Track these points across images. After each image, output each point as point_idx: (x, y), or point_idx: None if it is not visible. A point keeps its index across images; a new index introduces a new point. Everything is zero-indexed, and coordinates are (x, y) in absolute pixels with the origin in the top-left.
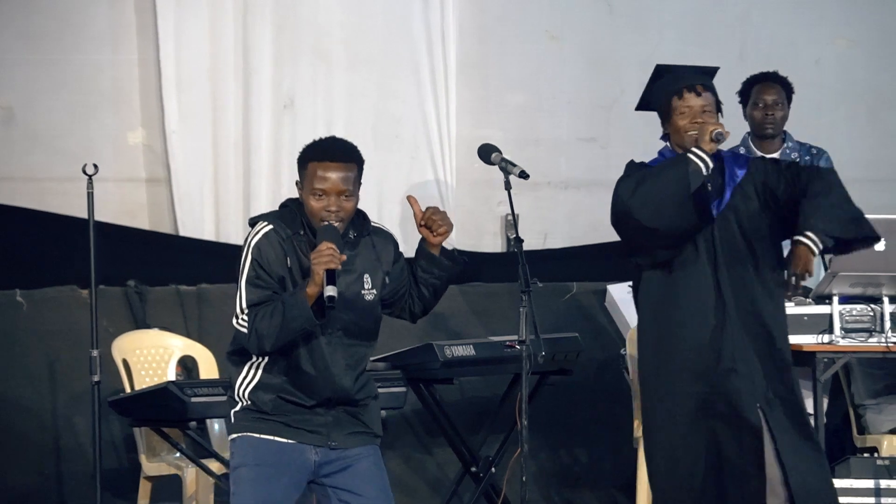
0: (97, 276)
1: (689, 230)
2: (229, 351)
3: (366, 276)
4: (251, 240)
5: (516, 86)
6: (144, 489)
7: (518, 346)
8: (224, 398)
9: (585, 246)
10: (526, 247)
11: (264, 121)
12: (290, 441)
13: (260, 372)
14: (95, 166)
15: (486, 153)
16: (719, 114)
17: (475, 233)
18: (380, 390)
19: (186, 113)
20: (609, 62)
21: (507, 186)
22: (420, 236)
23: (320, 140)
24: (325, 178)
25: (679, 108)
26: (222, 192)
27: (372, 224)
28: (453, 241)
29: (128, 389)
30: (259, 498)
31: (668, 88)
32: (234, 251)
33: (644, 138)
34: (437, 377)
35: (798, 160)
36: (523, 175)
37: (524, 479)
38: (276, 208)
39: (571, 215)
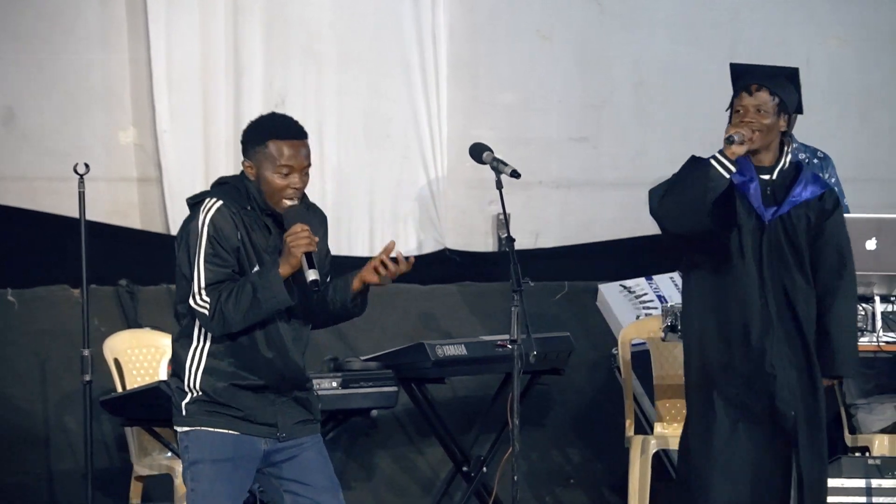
0: (88, 276)
1: (708, 234)
2: (175, 338)
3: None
4: (204, 216)
5: (507, 85)
6: (136, 489)
7: (510, 346)
8: None
9: (577, 245)
10: (517, 246)
11: None
12: (243, 434)
13: (205, 357)
14: (87, 166)
15: (478, 152)
16: (784, 115)
17: (466, 232)
18: (371, 390)
19: (177, 112)
20: (600, 62)
21: (499, 186)
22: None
23: (273, 117)
24: (292, 154)
25: (735, 106)
26: None
27: (311, 202)
28: (445, 242)
29: (119, 389)
30: (221, 494)
31: (734, 88)
32: None
33: (635, 137)
34: (428, 377)
35: (806, 161)
36: (515, 174)
37: (515, 478)
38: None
39: (563, 214)
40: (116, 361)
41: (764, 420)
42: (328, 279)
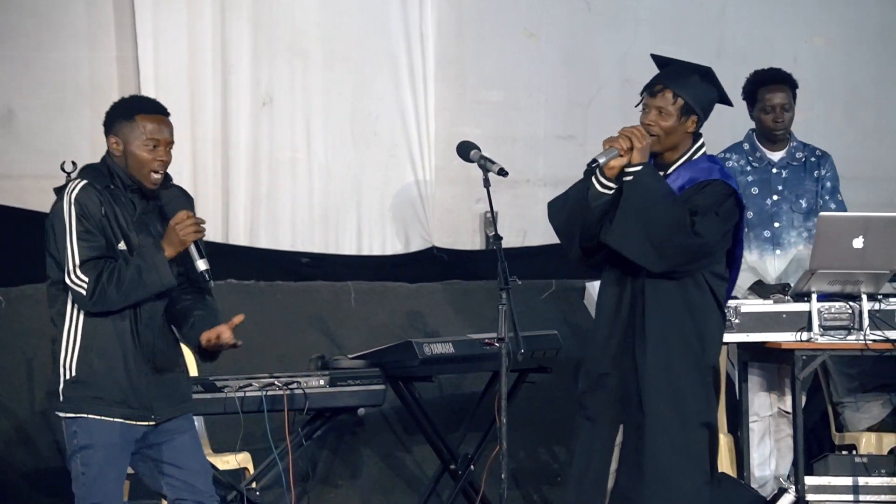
0: None
1: (573, 247)
2: (50, 320)
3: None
4: (69, 197)
5: (494, 83)
6: (123, 486)
7: (497, 344)
8: (203, 396)
9: None
10: (505, 244)
11: (242, 118)
12: (122, 421)
13: (80, 337)
14: (74, 164)
15: (465, 150)
16: (692, 115)
17: (454, 230)
18: (358, 388)
19: None
20: (586, 60)
21: (486, 184)
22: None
23: (139, 96)
24: (159, 129)
25: (642, 101)
26: (201, 190)
27: (174, 183)
28: (433, 240)
29: None
30: (110, 478)
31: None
32: (213, 249)
33: None
34: (415, 375)
35: (803, 159)
36: (502, 172)
37: (503, 476)
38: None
39: None
40: None
41: (596, 418)
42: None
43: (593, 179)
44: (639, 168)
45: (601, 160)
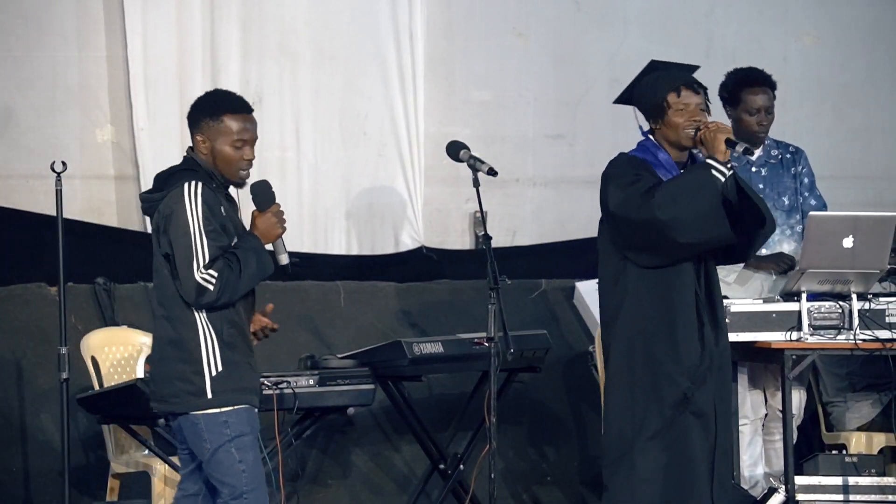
0: (65, 274)
1: (723, 242)
2: (172, 326)
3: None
4: (193, 196)
5: (483, 83)
6: (113, 486)
7: (486, 344)
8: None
9: (553, 243)
10: (494, 244)
11: None
12: (255, 408)
13: (214, 332)
14: (64, 163)
15: (455, 150)
16: (706, 113)
17: (443, 230)
18: (348, 387)
19: (154, 110)
20: (575, 59)
21: (476, 184)
22: None
23: (222, 93)
24: (247, 128)
25: (676, 104)
26: None
27: None
28: (422, 240)
29: (96, 387)
30: (260, 463)
31: (663, 84)
32: None
33: (610, 135)
34: (405, 374)
35: (779, 157)
36: (492, 172)
37: (492, 475)
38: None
39: (539, 212)
40: (93, 359)
41: (701, 413)
42: None
43: (717, 173)
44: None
45: (739, 148)
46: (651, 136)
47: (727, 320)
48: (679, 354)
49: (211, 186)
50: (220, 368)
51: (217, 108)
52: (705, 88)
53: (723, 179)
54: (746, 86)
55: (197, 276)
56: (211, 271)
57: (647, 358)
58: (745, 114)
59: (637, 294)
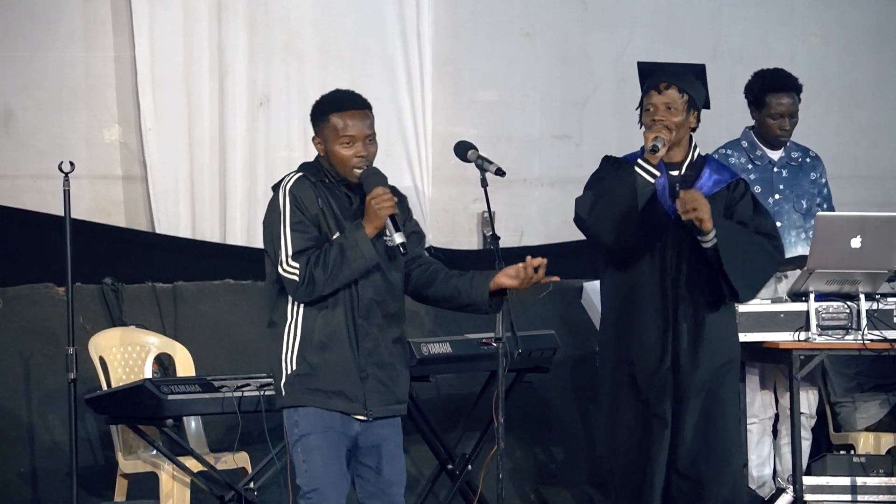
0: (73, 274)
1: (641, 244)
2: (268, 324)
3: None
4: (284, 186)
5: (490, 83)
6: (120, 487)
7: (494, 344)
8: (201, 396)
9: (561, 243)
10: (501, 244)
11: (239, 118)
12: (339, 413)
13: (299, 332)
14: (72, 164)
15: (463, 150)
16: (694, 111)
17: (450, 230)
18: None
19: (162, 110)
20: (582, 59)
21: (484, 184)
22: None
23: (334, 92)
24: (352, 125)
25: (646, 106)
26: (198, 190)
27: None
28: (430, 240)
29: (104, 387)
30: (331, 467)
31: (644, 87)
32: (210, 248)
33: (617, 135)
34: (413, 374)
35: (800, 160)
36: (499, 172)
37: (500, 476)
38: (272, 190)
39: (546, 212)
40: (101, 359)
41: (658, 413)
42: (418, 258)
43: (639, 171)
44: (711, 232)
45: (659, 143)
46: None
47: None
48: (636, 353)
49: (320, 181)
50: (294, 368)
51: (323, 109)
52: (682, 86)
53: (647, 178)
54: (770, 91)
55: (280, 269)
56: (294, 263)
57: (614, 355)
58: (769, 118)
59: (607, 293)
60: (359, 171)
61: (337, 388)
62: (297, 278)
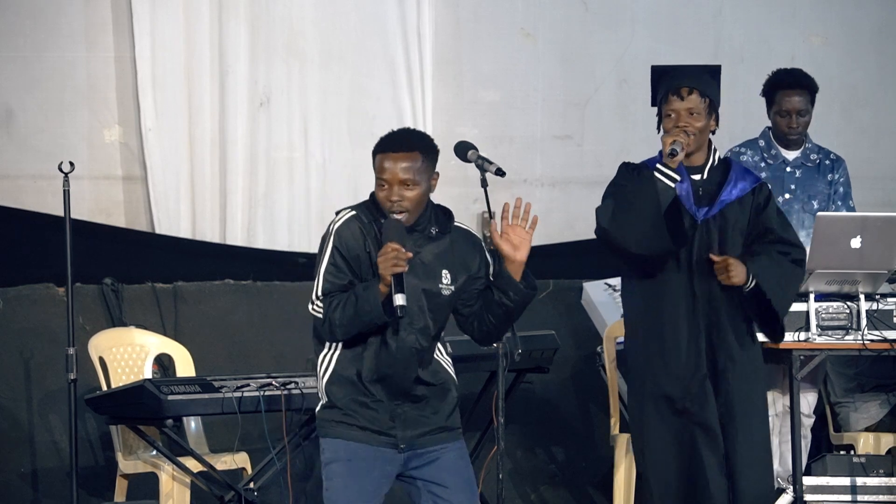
0: (73, 274)
1: (667, 252)
2: (314, 336)
3: (444, 271)
4: (334, 226)
5: (491, 83)
6: (120, 487)
7: (494, 344)
8: (201, 396)
9: (561, 244)
10: None
11: (240, 118)
12: (365, 444)
13: (334, 363)
14: (72, 164)
15: (463, 150)
16: (714, 114)
17: None
18: None
19: (162, 111)
20: (583, 60)
21: (484, 184)
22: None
23: (389, 133)
24: (385, 168)
25: (665, 111)
26: (198, 190)
27: (457, 224)
28: None
29: (104, 387)
30: (352, 491)
31: (661, 91)
32: (211, 249)
33: (618, 135)
34: None
35: (818, 161)
36: (500, 172)
37: (500, 476)
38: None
39: (547, 213)
40: (101, 360)
41: (702, 421)
42: (476, 307)
43: (659, 175)
44: (752, 282)
45: (678, 148)
46: None
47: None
48: (667, 363)
49: (374, 219)
50: (324, 400)
51: (376, 146)
52: (702, 89)
53: (668, 182)
54: (780, 88)
55: (310, 306)
56: (319, 304)
57: (643, 363)
58: (777, 115)
59: (631, 301)
60: (393, 216)
61: (359, 422)
62: (320, 317)
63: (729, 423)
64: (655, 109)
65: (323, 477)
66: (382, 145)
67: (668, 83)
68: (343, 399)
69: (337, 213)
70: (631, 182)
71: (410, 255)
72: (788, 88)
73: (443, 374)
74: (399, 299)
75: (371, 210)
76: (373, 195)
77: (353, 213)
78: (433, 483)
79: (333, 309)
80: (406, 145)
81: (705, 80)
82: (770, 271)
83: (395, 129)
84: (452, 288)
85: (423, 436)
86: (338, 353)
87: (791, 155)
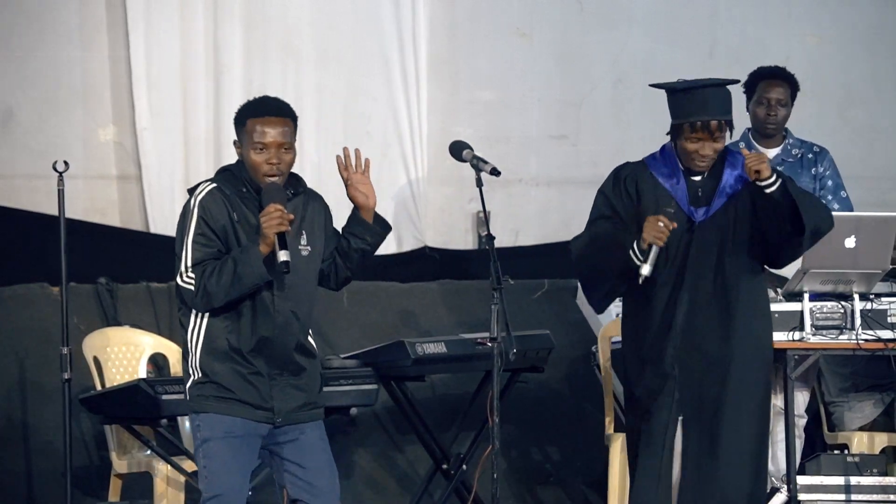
0: (68, 274)
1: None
2: (179, 322)
3: (302, 232)
4: (196, 198)
5: (487, 83)
6: (115, 486)
7: (489, 344)
8: None
9: (557, 243)
10: (497, 244)
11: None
12: (242, 418)
13: (203, 337)
14: (66, 163)
15: (458, 150)
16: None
17: (446, 230)
18: (351, 388)
19: (157, 110)
20: (579, 59)
21: (479, 184)
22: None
23: (255, 98)
24: (265, 132)
25: (687, 134)
26: None
27: (306, 185)
28: (426, 239)
29: (98, 387)
30: (233, 471)
31: (682, 110)
32: None
33: (614, 135)
34: (408, 374)
35: (800, 156)
36: (495, 172)
37: (495, 476)
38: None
39: (542, 212)
40: (95, 359)
41: (670, 427)
42: (332, 260)
43: (632, 255)
44: (776, 178)
45: (647, 269)
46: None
47: None
48: (644, 365)
49: (237, 190)
50: (199, 375)
51: (242, 113)
52: (720, 119)
53: (636, 262)
54: (761, 78)
55: (178, 279)
56: (191, 274)
57: (626, 366)
58: (757, 104)
59: (625, 300)
60: (269, 180)
61: (239, 395)
62: (192, 288)
63: (715, 420)
64: (652, 109)
65: (198, 455)
66: (257, 111)
67: (693, 113)
68: (220, 372)
69: (195, 187)
70: (607, 229)
71: (293, 216)
72: (770, 78)
73: (314, 347)
74: (283, 255)
75: (230, 181)
76: (228, 168)
77: (214, 185)
78: (292, 463)
79: (208, 276)
80: (283, 111)
81: (726, 102)
82: (795, 185)
83: (259, 97)
84: (310, 248)
85: (298, 409)
86: (206, 324)
87: (772, 152)
